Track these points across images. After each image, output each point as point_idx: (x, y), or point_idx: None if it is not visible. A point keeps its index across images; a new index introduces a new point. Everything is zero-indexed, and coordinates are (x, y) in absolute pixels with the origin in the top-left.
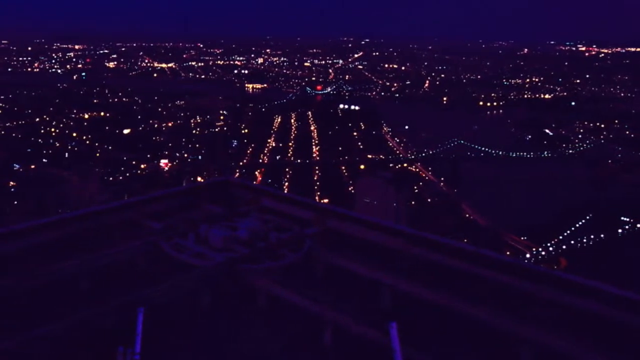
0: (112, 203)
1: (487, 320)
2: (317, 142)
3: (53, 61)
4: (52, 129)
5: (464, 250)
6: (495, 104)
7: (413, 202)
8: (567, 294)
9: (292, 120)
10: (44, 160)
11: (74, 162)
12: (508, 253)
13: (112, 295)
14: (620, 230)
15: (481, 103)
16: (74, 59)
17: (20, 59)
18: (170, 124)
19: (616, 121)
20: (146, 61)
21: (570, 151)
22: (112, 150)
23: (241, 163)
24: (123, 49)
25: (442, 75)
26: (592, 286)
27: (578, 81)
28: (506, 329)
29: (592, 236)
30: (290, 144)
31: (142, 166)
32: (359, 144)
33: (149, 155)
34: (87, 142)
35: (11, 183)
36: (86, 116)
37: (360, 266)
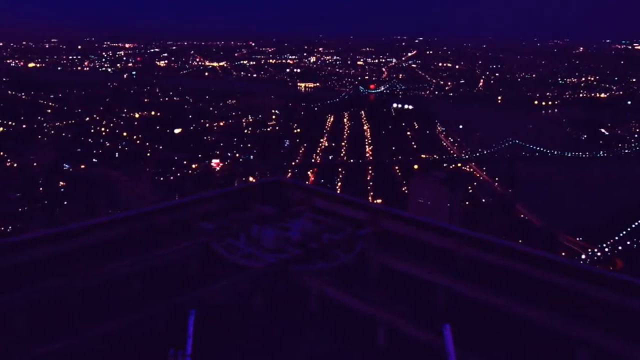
0: (163, 203)
1: (542, 322)
2: (370, 141)
3: (103, 60)
4: (103, 129)
5: (519, 250)
6: (550, 103)
7: (467, 203)
8: (622, 295)
9: (345, 120)
10: (94, 160)
11: (124, 162)
12: (563, 254)
13: (164, 296)
14: None
15: (536, 102)
16: (124, 58)
17: (70, 57)
18: (221, 124)
19: None
20: (197, 60)
21: (627, 151)
22: (162, 150)
23: (293, 163)
24: (174, 48)
25: (497, 74)
26: None
27: (634, 80)
28: (561, 331)
29: None
30: (343, 143)
31: (193, 166)
32: (413, 143)
33: (200, 155)
34: (138, 141)
35: (61, 183)
36: (137, 115)
37: (414, 267)
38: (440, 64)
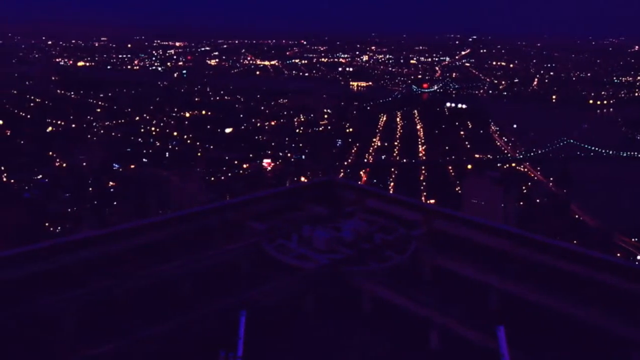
0: (214, 204)
1: (597, 323)
2: (423, 141)
3: (153, 58)
4: (153, 128)
5: (573, 251)
6: (605, 102)
7: (521, 203)
8: None
9: (398, 119)
10: (144, 160)
11: (174, 162)
12: (618, 254)
13: (215, 297)
14: None
15: (591, 101)
16: (175, 57)
17: (120, 56)
18: (273, 123)
19: None
20: (248, 58)
21: None
22: (213, 150)
23: (345, 163)
24: (225, 46)
25: (551, 73)
26: None
27: None
28: (616, 332)
29: None
30: (395, 143)
31: (245, 166)
32: (466, 143)
33: (251, 155)
34: (188, 141)
35: (111, 183)
36: (187, 115)
37: (467, 268)
38: (494, 63)
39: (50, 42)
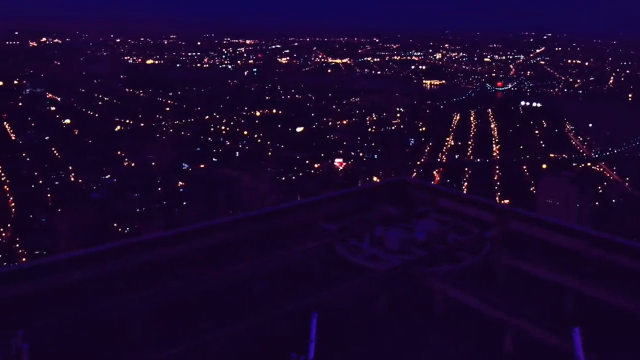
0: (285, 204)
1: None
2: (497, 140)
3: (223, 57)
4: (223, 128)
5: None
6: None
7: (597, 203)
8: None
9: (472, 118)
10: (214, 159)
11: (245, 162)
12: None
13: (285, 299)
14: None
15: None
16: (245, 55)
17: (190, 54)
18: (345, 122)
19: None
20: (320, 57)
21: None
22: (284, 149)
23: (419, 162)
24: (296, 44)
25: (627, 72)
26: None
27: None
28: None
29: None
30: (469, 142)
31: (316, 166)
32: (541, 142)
33: (322, 155)
34: (259, 140)
35: (180, 183)
36: (258, 114)
37: (542, 269)
38: (569, 61)
39: (118, 40)
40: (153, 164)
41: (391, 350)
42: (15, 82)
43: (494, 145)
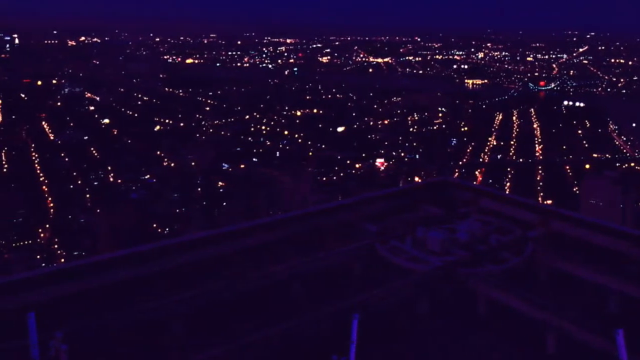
0: (326, 204)
1: None
2: (539, 140)
3: (263, 56)
4: (263, 127)
5: None
6: None
7: None
8: None
9: (514, 118)
10: (254, 159)
11: (285, 162)
12: None
13: (326, 300)
14: None
15: None
16: (286, 54)
17: (229, 53)
18: (386, 122)
19: None
20: (361, 56)
21: None
22: (325, 149)
23: (460, 162)
24: (337, 43)
25: None
26: None
27: None
28: None
29: None
30: (511, 142)
31: (357, 165)
32: (584, 142)
33: (363, 154)
34: (299, 140)
35: (220, 183)
36: (298, 113)
37: (585, 270)
38: (612, 60)
39: (158, 39)
40: (192, 164)
41: (433, 351)
42: (54, 82)
43: (537, 145)
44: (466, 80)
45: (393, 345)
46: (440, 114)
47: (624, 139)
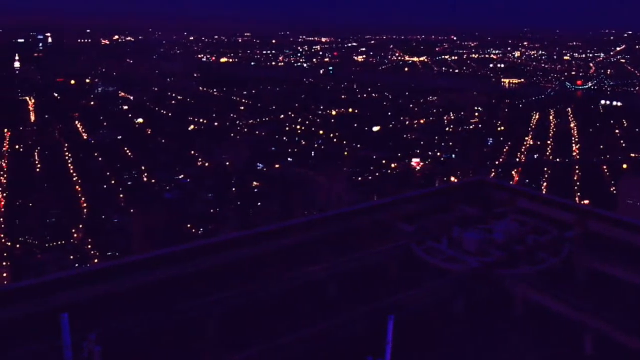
0: (361, 205)
1: None
2: (577, 140)
3: (298, 55)
4: (298, 127)
5: None
6: None
7: None
8: None
9: (551, 117)
10: (289, 159)
11: (320, 162)
12: None
13: (362, 301)
14: None
15: None
16: (321, 53)
17: (264, 52)
18: (422, 121)
19: None
20: (397, 55)
21: None
22: (360, 149)
23: (497, 162)
24: (372, 42)
25: None
26: None
27: None
28: None
29: None
30: (548, 142)
31: (393, 165)
32: (622, 142)
33: (399, 154)
34: (335, 140)
35: (255, 183)
36: (334, 113)
37: (624, 271)
38: None
39: (192, 38)
40: (227, 163)
41: (469, 352)
42: (87, 81)
43: (574, 145)
44: (503, 80)
45: (429, 345)
46: (476, 114)
47: None
